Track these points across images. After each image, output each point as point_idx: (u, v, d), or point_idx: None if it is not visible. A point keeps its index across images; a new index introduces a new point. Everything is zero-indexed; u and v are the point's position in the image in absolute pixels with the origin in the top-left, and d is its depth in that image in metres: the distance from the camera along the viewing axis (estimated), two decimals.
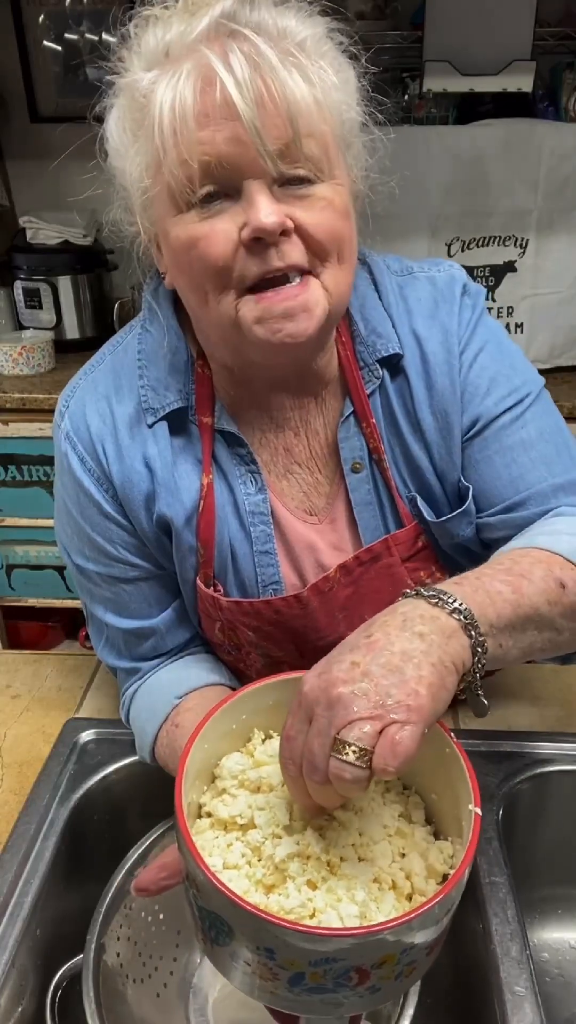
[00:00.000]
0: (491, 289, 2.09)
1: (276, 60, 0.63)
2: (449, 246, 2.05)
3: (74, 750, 0.92)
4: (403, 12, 2.13)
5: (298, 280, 0.69)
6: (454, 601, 0.60)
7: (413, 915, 0.49)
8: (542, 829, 0.89)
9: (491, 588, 0.63)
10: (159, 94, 0.65)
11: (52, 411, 0.86)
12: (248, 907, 0.49)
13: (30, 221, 2.30)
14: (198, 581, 0.84)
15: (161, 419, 0.80)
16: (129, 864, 0.77)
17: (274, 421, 0.82)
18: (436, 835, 0.62)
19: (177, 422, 0.81)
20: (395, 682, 0.53)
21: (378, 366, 0.81)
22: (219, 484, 0.82)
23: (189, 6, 0.67)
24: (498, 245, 2.05)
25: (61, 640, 2.49)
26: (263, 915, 0.49)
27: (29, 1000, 0.73)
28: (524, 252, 2.05)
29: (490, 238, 2.05)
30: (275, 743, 0.64)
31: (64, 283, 2.29)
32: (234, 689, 0.86)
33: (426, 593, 0.61)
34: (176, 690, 0.84)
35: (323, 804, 0.55)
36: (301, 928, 0.49)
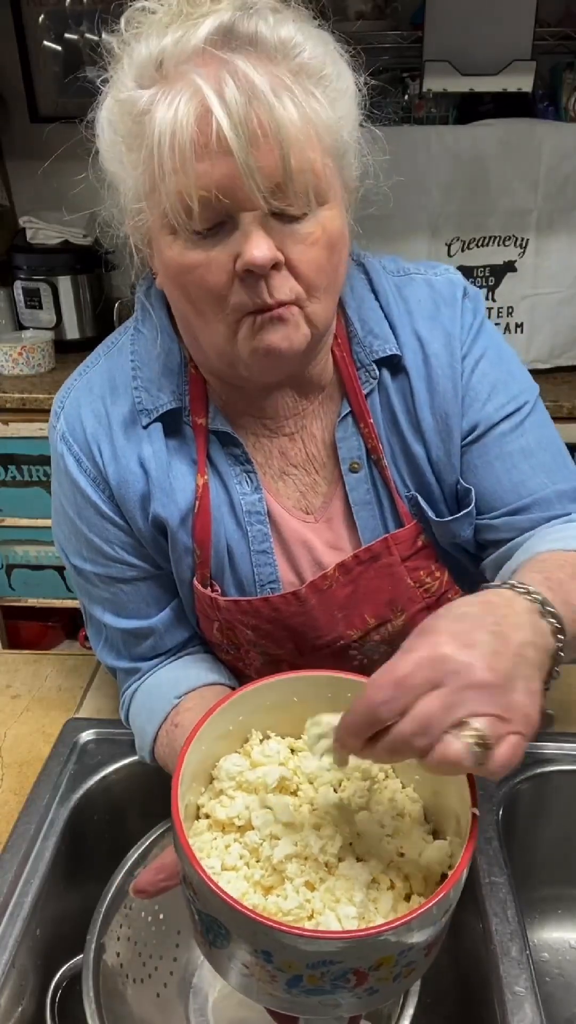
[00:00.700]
0: (491, 289, 2.08)
1: (269, 88, 0.62)
2: (449, 246, 2.05)
3: (74, 750, 0.92)
4: (403, 12, 2.12)
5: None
6: (552, 614, 0.59)
7: (409, 917, 0.49)
8: (542, 829, 0.89)
9: (565, 588, 0.63)
10: (158, 116, 0.64)
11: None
12: (244, 911, 0.49)
13: (30, 221, 2.30)
14: (195, 581, 0.84)
15: (155, 420, 0.80)
16: (129, 864, 0.77)
17: (268, 427, 0.83)
18: (434, 834, 0.62)
19: (171, 423, 0.81)
20: (523, 689, 0.54)
21: (375, 367, 0.81)
22: (215, 484, 0.82)
23: (184, 9, 0.66)
24: (498, 245, 2.05)
25: (61, 640, 2.49)
26: (259, 918, 0.49)
27: (29, 1000, 0.74)
28: (524, 252, 2.05)
29: (490, 238, 2.04)
30: (273, 744, 0.64)
31: (64, 283, 2.29)
32: (233, 688, 0.87)
33: (532, 594, 0.60)
34: (175, 690, 0.85)
35: (376, 760, 0.54)
36: (298, 931, 0.49)
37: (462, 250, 2.05)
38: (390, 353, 0.80)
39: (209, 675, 0.87)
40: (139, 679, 0.90)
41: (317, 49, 0.67)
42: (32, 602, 2.31)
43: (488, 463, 0.82)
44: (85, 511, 0.82)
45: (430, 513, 0.83)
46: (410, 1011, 0.67)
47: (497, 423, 0.81)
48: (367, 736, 0.52)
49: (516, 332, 2.12)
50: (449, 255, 2.05)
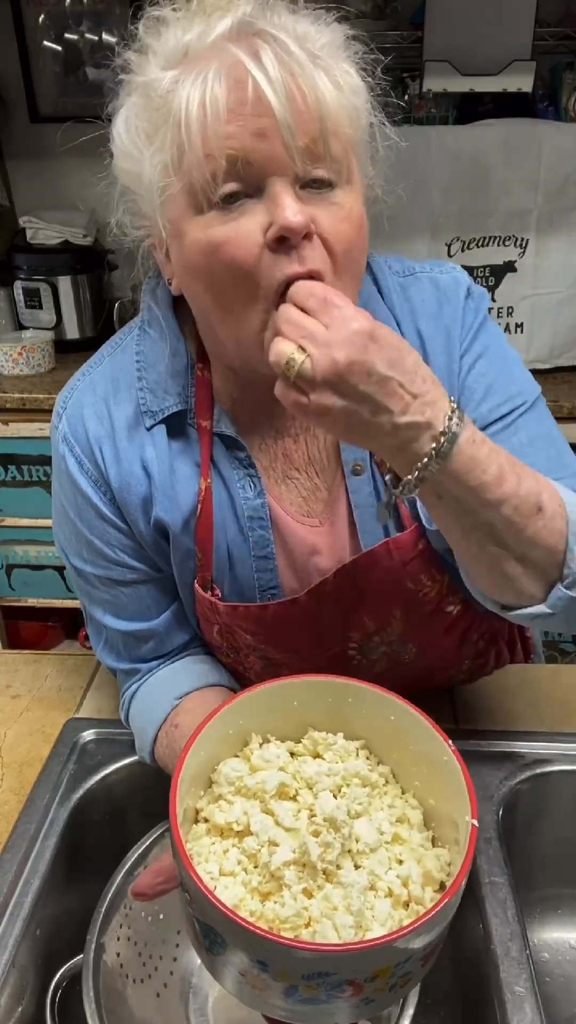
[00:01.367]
0: (491, 289, 2.08)
1: (306, 59, 0.63)
2: (449, 246, 2.05)
3: (74, 750, 0.92)
4: (403, 12, 2.12)
5: None
6: (458, 420, 0.62)
7: (406, 931, 0.49)
8: (542, 829, 0.89)
9: (489, 457, 0.64)
10: (184, 92, 0.64)
11: (52, 411, 0.86)
12: (240, 921, 0.49)
13: (30, 221, 2.30)
14: (196, 585, 0.84)
15: (160, 422, 0.79)
16: (129, 864, 0.77)
17: (274, 427, 0.82)
18: (434, 841, 0.62)
19: (176, 425, 0.80)
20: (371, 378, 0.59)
21: None
22: (217, 488, 0.82)
23: (205, 7, 0.67)
24: (498, 245, 2.05)
25: (61, 640, 2.49)
26: (255, 929, 0.49)
27: (29, 1000, 0.74)
28: (524, 252, 2.05)
29: (490, 238, 2.04)
30: (272, 748, 0.64)
31: (64, 283, 2.29)
32: (234, 690, 0.86)
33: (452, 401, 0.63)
34: (175, 691, 0.84)
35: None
36: (293, 943, 0.49)
37: (462, 250, 2.05)
38: None
39: (209, 676, 0.87)
40: (139, 680, 0.90)
41: (336, 46, 0.68)
42: (32, 602, 2.31)
43: None
44: (86, 513, 0.82)
45: (424, 517, 0.83)
46: (410, 1012, 0.67)
47: (490, 423, 0.80)
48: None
49: (516, 332, 2.12)
50: (449, 255, 2.05)
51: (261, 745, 0.65)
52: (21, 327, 2.38)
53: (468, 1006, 0.76)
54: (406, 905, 0.57)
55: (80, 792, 0.87)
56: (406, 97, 2.15)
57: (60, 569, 2.22)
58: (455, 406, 0.62)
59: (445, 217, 2.01)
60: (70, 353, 2.29)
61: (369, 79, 0.71)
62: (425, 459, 0.61)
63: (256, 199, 0.65)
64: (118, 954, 0.75)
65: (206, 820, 0.61)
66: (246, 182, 0.65)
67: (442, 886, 0.57)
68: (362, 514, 0.83)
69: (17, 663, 1.11)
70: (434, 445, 0.61)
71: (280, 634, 0.84)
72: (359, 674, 0.85)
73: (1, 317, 2.39)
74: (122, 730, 0.91)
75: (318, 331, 0.59)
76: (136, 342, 0.82)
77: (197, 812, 0.62)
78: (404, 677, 0.87)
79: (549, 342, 2.14)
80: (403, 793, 0.65)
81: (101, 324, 2.38)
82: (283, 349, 0.60)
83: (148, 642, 0.88)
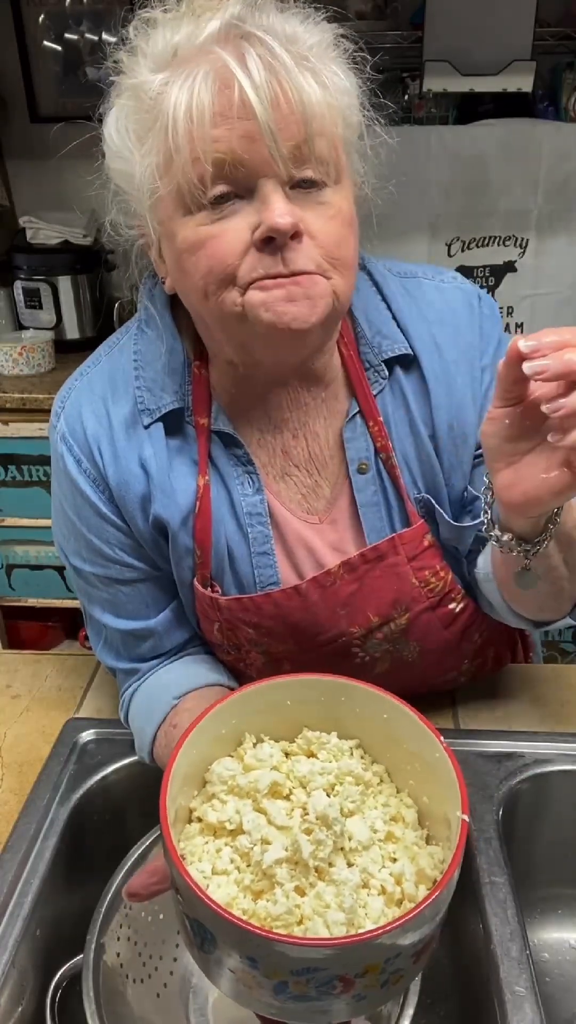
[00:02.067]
0: (491, 289, 2.09)
1: (291, 62, 0.63)
2: (449, 246, 2.05)
3: (74, 750, 0.92)
4: (403, 12, 2.12)
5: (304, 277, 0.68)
6: None
7: (394, 926, 0.49)
8: (542, 829, 0.89)
9: None
10: (173, 95, 0.64)
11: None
12: (228, 916, 0.49)
13: (30, 221, 2.30)
14: (195, 582, 0.84)
15: (157, 420, 0.79)
16: (129, 864, 0.77)
17: (272, 422, 0.82)
18: (428, 839, 0.62)
19: (173, 423, 0.81)
20: None
21: (384, 367, 0.81)
22: (215, 485, 0.82)
23: (194, 9, 0.68)
24: (498, 245, 2.05)
25: (61, 640, 2.49)
26: (242, 924, 0.49)
27: (29, 1000, 0.73)
28: (524, 252, 2.05)
29: (490, 238, 2.05)
30: (266, 748, 0.64)
31: (64, 283, 2.29)
32: (233, 689, 0.87)
33: None
34: (174, 690, 0.85)
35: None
36: (280, 938, 0.48)
37: (462, 250, 2.05)
38: (400, 353, 0.80)
39: (209, 675, 0.87)
40: (139, 679, 0.90)
41: (325, 45, 0.68)
42: (32, 602, 2.31)
43: None
44: (85, 512, 0.82)
45: (446, 516, 0.83)
46: (410, 1011, 0.67)
47: None
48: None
49: (516, 332, 2.12)
50: (449, 255, 2.06)
51: (255, 744, 0.65)
52: (21, 327, 2.37)
53: (468, 1006, 0.76)
54: (399, 903, 0.57)
55: (80, 792, 0.87)
56: (406, 97, 2.15)
57: (60, 569, 2.22)
58: None
59: (445, 217, 2.01)
60: (70, 353, 2.29)
61: (359, 78, 0.71)
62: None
63: (246, 200, 0.66)
64: (118, 954, 0.75)
65: (199, 819, 0.61)
66: (236, 184, 0.65)
67: (436, 884, 0.57)
68: (367, 512, 0.83)
69: (17, 663, 1.11)
70: None
71: (282, 625, 0.84)
72: (362, 672, 0.86)
73: (1, 317, 2.39)
74: (122, 730, 0.91)
75: None
76: (133, 341, 0.82)
77: (191, 812, 0.62)
78: (405, 678, 0.88)
79: None
80: (398, 792, 0.65)
81: (101, 324, 2.37)
82: None
83: (147, 641, 0.88)
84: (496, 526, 0.69)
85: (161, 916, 0.81)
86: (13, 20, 2.31)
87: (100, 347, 0.86)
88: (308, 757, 0.65)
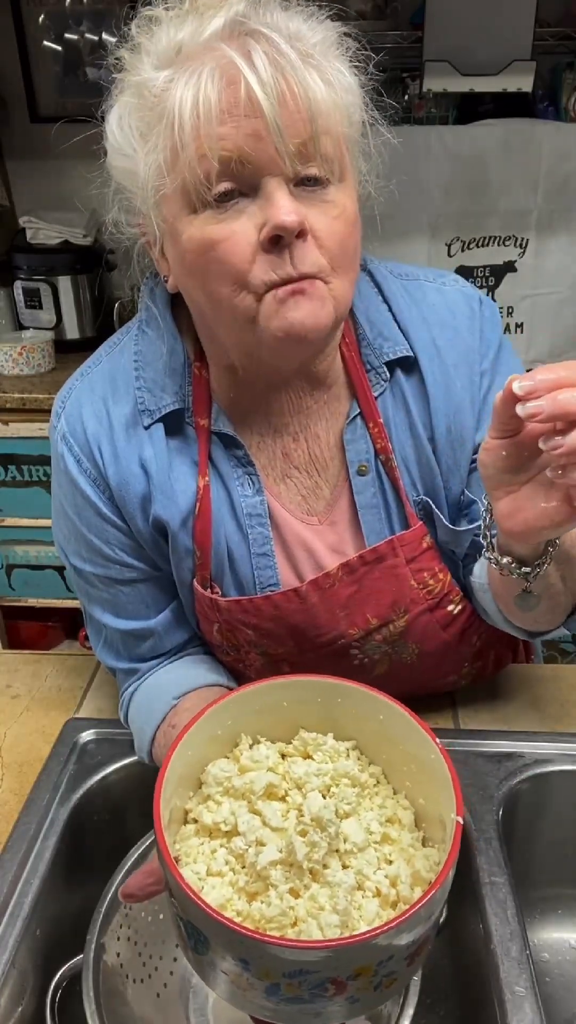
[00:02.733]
0: (491, 289, 2.09)
1: (297, 60, 0.63)
2: (449, 246, 2.05)
3: (74, 750, 0.92)
4: (403, 12, 2.12)
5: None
6: None
7: (385, 928, 0.49)
8: (542, 829, 0.89)
9: None
10: (178, 92, 0.64)
11: (51, 411, 0.86)
12: (219, 918, 0.49)
13: (30, 221, 2.30)
14: (195, 583, 0.84)
15: (157, 421, 0.79)
16: (129, 864, 0.77)
17: (273, 424, 0.82)
18: (425, 841, 0.62)
19: (174, 424, 0.81)
20: None
21: (385, 368, 0.81)
22: (216, 486, 0.82)
23: (198, 6, 0.67)
24: (498, 245, 2.05)
25: (61, 640, 2.49)
26: (234, 926, 0.49)
27: (29, 1000, 0.73)
28: (524, 252, 2.05)
29: (490, 238, 2.05)
30: (261, 749, 0.64)
31: (64, 283, 2.29)
32: (232, 689, 0.87)
33: None
34: (174, 691, 0.84)
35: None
36: (270, 939, 0.48)
37: (462, 250, 2.05)
38: (402, 355, 0.80)
39: (208, 676, 0.87)
40: (138, 679, 0.90)
41: (329, 43, 0.69)
42: (32, 602, 2.31)
43: None
44: (85, 512, 0.82)
45: (444, 519, 0.83)
46: (410, 1011, 0.67)
47: None
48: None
49: (516, 332, 2.12)
50: (449, 255, 2.06)
51: (251, 746, 0.65)
52: (21, 327, 2.38)
53: (468, 1006, 0.76)
54: (394, 905, 0.57)
55: (80, 792, 0.87)
56: (406, 97, 2.15)
57: (60, 569, 2.22)
58: None
59: (445, 217, 2.01)
60: (70, 353, 2.29)
61: (362, 76, 0.71)
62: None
63: (250, 198, 0.66)
64: (118, 954, 0.75)
65: (195, 820, 0.61)
66: (240, 181, 0.65)
67: (431, 885, 0.57)
68: (366, 514, 0.83)
69: (17, 663, 1.11)
70: None
71: (281, 627, 0.84)
72: (360, 674, 0.86)
73: (1, 317, 2.39)
74: (122, 730, 0.91)
75: None
76: (134, 341, 0.82)
77: (186, 813, 0.62)
78: (405, 681, 0.88)
79: (549, 342, 2.14)
80: (394, 793, 0.65)
81: (101, 324, 2.37)
82: None
83: (147, 641, 0.88)
84: (496, 549, 0.68)
85: (161, 916, 0.81)
86: (13, 20, 2.31)
87: (101, 347, 0.86)
88: (304, 758, 0.65)
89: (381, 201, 0.76)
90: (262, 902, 0.55)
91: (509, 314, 2.11)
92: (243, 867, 0.57)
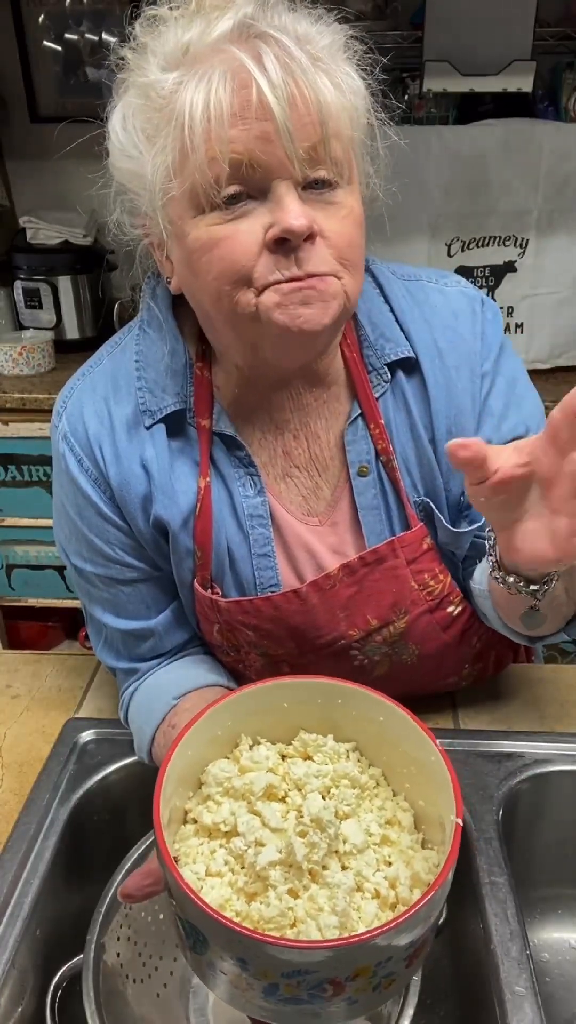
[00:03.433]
0: (491, 289, 2.09)
1: (307, 63, 0.63)
2: (449, 246, 2.05)
3: (74, 750, 0.92)
4: (403, 12, 2.12)
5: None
6: None
7: (384, 929, 0.48)
8: (542, 829, 0.89)
9: None
10: (188, 94, 0.64)
11: (52, 411, 0.86)
12: (218, 917, 0.49)
13: (30, 221, 2.30)
14: (196, 583, 0.84)
15: (159, 421, 0.79)
16: (129, 864, 0.77)
17: (274, 423, 0.82)
18: (424, 843, 0.62)
19: (175, 424, 0.80)
20: None
21: (387, 369, 0.81)
22: (217, 487, 0.82)
23: (203, 7, 0.67)
24: (498, 245, 2.05)
25: (61, 640, 2.49)
26: (233, 926, 0.49)
27: (29, 1000, 0.73)
28: (524, 252, 2.05)
29: (490, 238, 2.04)
30: (262, 750, 0.64)
31: (64, 283, 2.29)
32: (232, 690, 0.87)
33: None
34: (174, 691, 0.84)
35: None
36: (269, 939, 0.48)
37: (462, 250, 2.05)
38: (403, 356, 0.80)
39: (208, 676, 0.87)
40: (138, 679, 0.90)
41: (336, 46, 0.69)
42: (32, 602, 2.31)
43: None
44: (86, 512, 0.82)
45: (444, 521, 0.83)
46: (410, 1011, 0.67)
47: (507, 443, 0.81)
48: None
49: (516, 332, 2.12)
50: (449, 255, 2.05)
51: (251, 746, 0.65)
52: (21, 327, 2.38)
53: (468, 1006, 0.76)
54: (393, 907, 0.57)
55: (80, 792, 0.87)
56: (406, 97, 2.15)
57: (60, 569, 2.22)
58: None
59: (445, 217, 2.01)
60: (70, 353, 2.29)
61: (368, 79, 0.71)
62: None
63: (259, 201, 0.66)
64: (118, 954, 0.75)
65: (195, 821, 0.61)
66: (250, 184, 0.65)
67: (430, 886, 0.57)
68: (366, 515, 0.83)
69: (17, 663, 1.11)
70: None
71: (281, 628, 0.84)
72: (361, 675, 0.86)
73: (1, 317, 2.39)
74: (122, 730, 0.91)
75: None
76: (136, 342, 0.82)
77: (186, 813, 0.62)
78: (405, 682, 0.88)
79: (549, 342, 2.14)
80: (394, 795, 0.65)
81: (101, 324, 2.38)
82: None
83: (147, 641, 0.88)
84: (501, 568, 0.67)
85: (161, 916, 0.81)
86: (13, 20, 2.31)
87: (102, 347, 0.86)
88: (304, 760, 0.65)
89: (387, 203, 0.76)
90: (261, 902, 0.55)
91: (509, 314, 2.11)
92: (242, 867, 0.57)
